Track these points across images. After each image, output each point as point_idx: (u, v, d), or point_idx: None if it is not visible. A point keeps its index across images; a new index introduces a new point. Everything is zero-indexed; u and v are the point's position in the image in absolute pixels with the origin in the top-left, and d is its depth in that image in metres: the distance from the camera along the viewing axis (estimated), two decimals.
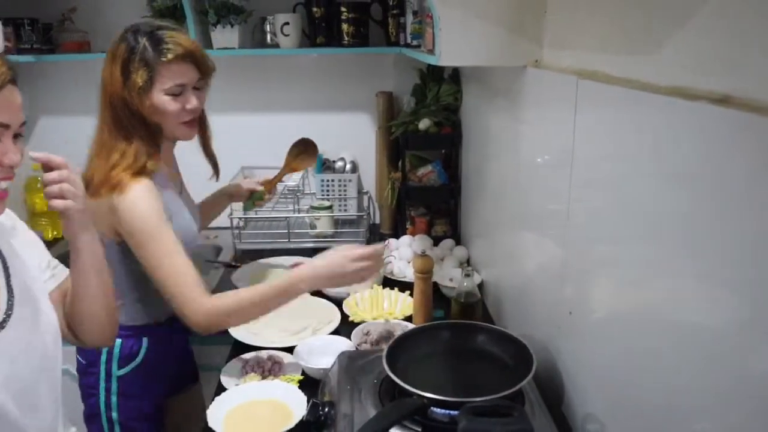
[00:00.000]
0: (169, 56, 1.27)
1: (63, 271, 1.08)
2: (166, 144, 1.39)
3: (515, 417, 0.83)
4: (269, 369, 1.38)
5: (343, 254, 1.28)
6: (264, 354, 1.44)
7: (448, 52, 1.27)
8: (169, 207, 1.32)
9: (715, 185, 0.65)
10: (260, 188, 1.77)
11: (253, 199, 1.76)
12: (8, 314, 0.90)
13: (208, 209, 1.76)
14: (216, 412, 1.21)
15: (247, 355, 1.44)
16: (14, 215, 1.03)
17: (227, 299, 1.27)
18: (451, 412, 0.99)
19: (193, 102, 1.33)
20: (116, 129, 1.31)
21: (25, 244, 1.03)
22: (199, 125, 1.44)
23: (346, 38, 2.18)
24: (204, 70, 1.35)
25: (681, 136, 0.71)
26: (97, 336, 1.07)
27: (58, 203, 0.93)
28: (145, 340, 1.42)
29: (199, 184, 1.68)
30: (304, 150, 1.73)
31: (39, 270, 1.03)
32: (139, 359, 1.41)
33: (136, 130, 1.30)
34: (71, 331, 1.07)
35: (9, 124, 0.85)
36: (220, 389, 1.33)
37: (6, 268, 0.95)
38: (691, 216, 0.70)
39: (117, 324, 1.13)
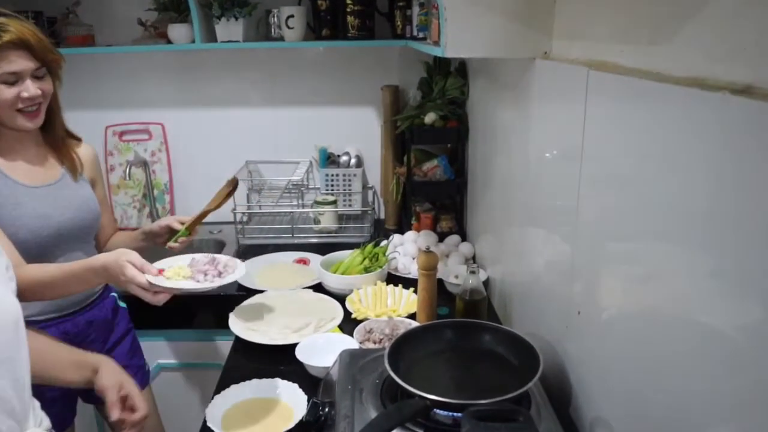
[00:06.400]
0: None
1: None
2: (10, 132, 1.34)
3: (521, 422, 0.79)
4: (217, 274, 1.30)
5: (130, 274, 1.17)
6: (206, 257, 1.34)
7: (453, 44, 1.24)
8: (2, 195, 1.31)
9: (735, 180, 0.62)
10: (180, 227, 1.60)
11: (173, 238, 1.59)
12: None
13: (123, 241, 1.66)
14: (214, 411, 1.18)
15: (198, 256, 1.33)
16: None
17: (23, 274, 1.21)
18: (455, 414, 0.96)
19: (30, 90, 1.29)
20: None
21: None
22: (49, 115, 1.39)
23: (351, 31, 2.15)
24: (42, 57, 1.30)
25: (698, 129, 0.67)
26: None
27: None
28: None
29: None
30: (232, 190, 1.65)
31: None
32: None
33: None
34: None
35: None
36: (220, 387, 1.31)
37: None
38: (708, 212, 0.67)
39: None
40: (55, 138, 1.45)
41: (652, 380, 0.82)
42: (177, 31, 2.18)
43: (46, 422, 1.06)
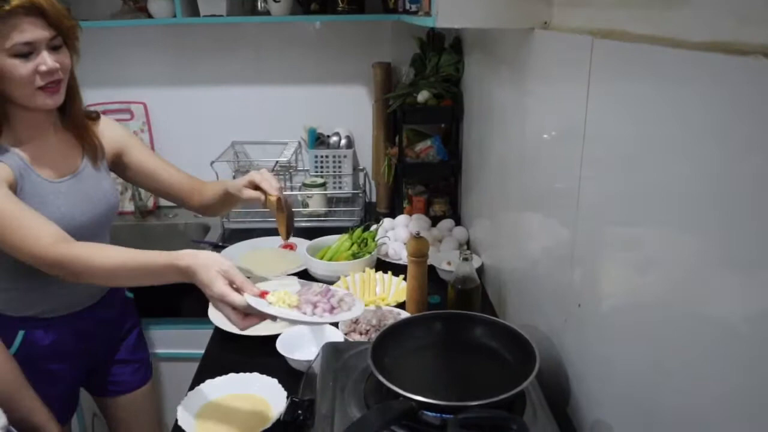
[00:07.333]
0: (6, 7, 1.08)
1: None
2: (27, 115, 1.21)
3: (513, 430, 0.71)
4: (328, 309, 1.08)
5: (221, 291, 1.01)
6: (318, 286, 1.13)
7: (445, 13, 1.14)
8: (26, 193, 1.19)
9: (762, 159, 0.53)
10: (252, 194, 1.41)
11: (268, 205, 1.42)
12: None
13: (213, 201, 1.50)
14: (187, 409, 1.10)
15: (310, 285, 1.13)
16: None
17: (75, 252, 1.11)
18: (444, 415, 0.88)
19: (48, 62, 1.14)
20: None
21: None
22: (68, 95, 1.25)
23: (341, 5, 2.04)
24: (57, 25, 1.15)
25: (720, 101, 0.59)
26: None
27: None
28: (21, 334, 1.29)
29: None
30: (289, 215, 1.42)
31: None
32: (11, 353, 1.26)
33: None
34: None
35: None
36: (196, 382, 1.23)
37: None
38: (726, 196, 0.59)
39: None
40: (75, 121, 1.31)
41: (660, 380, 0.74)
42: (157, 5, 2.07)
43: (2, 420, 0.98)
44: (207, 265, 1.02)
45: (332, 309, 1.06)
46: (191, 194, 1.51)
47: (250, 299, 0.99)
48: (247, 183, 1.40)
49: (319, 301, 1.06)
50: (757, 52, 0.52)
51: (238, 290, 1.02)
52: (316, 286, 1.11)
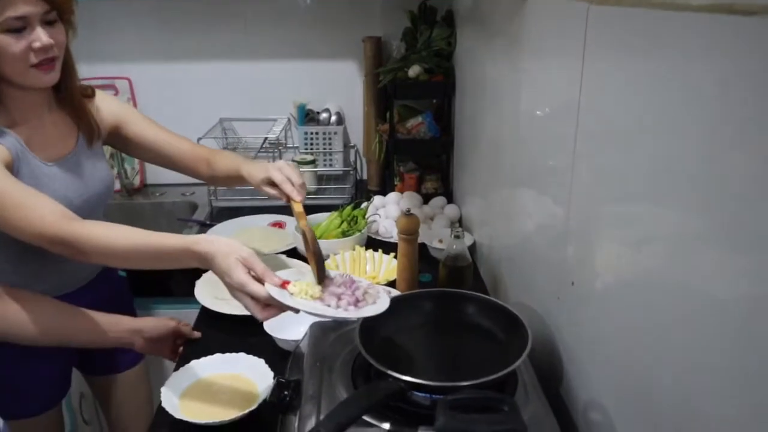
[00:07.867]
0: None
1: None
2: (21, 95, 1.16)
3: (505, 412, 0.69)
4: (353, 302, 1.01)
5: (241, 279, 0.96)
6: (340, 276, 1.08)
7: None
8: (22, 175, 1.14)
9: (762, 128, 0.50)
10: (270, 193, 1.35)
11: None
12: None
13: (223, 176, 1.46)
14: (171, 390, 1.08)
15: (333, 274, 1.08)
16: None
17: (85, 230, 1.06)
18: (434, 396, 0.86)
19: (42, 38, 1.08)
20: None
21: None
22: (64, 72, 1.19)
23: None
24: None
25: (723, 68, 0.55)
26: None
27: None
28: None
29: None
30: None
31: None
32: None
33: None
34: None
35: None
36: (180, 362, 1.20)
37: None
38: (726, 173, 0.56)
39: None
40: (71, 100, 1.26)
41: (655, 358, 0.72)
42: None
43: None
44: (225, 252, 0.97)
45: (357, 302, 1.00)
46: (196, 164, 1.46)
47: (271, 290, 0.95)
48: (265, 180, 1.33)
49: (343, 293, 1.01)
50: (764, 12, 0.48)
51: (258, 279, 0.97)
52: (338, 276, 1.06)
